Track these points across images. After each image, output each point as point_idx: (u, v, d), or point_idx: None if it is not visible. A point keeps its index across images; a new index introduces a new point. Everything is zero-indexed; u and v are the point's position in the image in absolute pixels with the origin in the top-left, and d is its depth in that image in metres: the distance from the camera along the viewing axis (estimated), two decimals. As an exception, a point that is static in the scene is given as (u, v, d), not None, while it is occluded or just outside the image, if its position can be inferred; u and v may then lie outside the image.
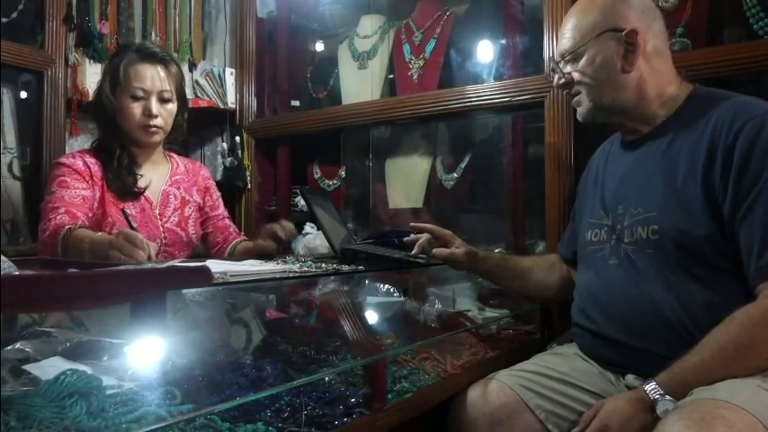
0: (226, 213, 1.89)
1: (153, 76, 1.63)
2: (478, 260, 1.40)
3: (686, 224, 1.11)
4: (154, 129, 1.64)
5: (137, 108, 1.62)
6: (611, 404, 1.05)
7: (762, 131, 1.06)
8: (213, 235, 1.84)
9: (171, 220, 1.74)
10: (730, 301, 1.05)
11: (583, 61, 1.25)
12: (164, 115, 1.66)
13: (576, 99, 1.31)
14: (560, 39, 1.30)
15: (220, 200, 1.90)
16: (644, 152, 1.25)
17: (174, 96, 1.69)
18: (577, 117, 1.35)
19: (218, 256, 1.78)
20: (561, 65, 1.30)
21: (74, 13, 2.09)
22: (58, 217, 1.50)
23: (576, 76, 1.26)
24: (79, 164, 1.62)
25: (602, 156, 1.41)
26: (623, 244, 1.22)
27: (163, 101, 1.66)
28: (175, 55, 2.31)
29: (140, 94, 1.62)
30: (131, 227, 1.41)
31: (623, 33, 1.19)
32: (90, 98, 2.11)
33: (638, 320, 1.16)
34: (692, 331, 1.08)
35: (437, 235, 1.40)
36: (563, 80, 1.30)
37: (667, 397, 0.99)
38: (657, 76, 1.22)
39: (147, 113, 1.62)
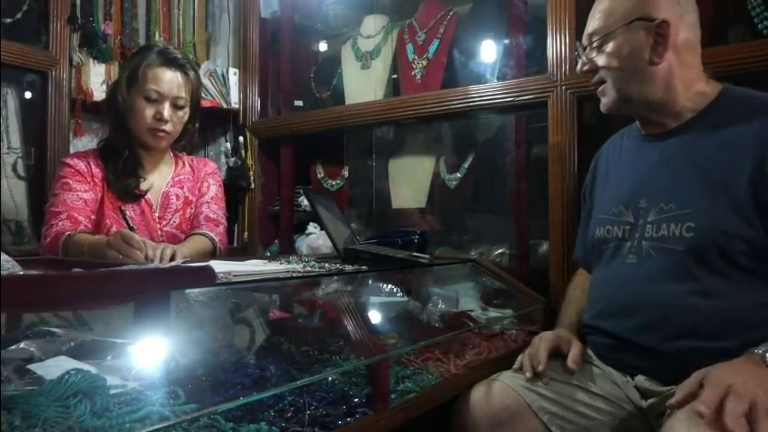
0: (208, 198, 1.79)
1: (170, 81, 1.62)
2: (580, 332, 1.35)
3: (727, 224, 1.08)
4: (162, 134, 1.64)
5: (149, 110, 1.61)
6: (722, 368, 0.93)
7: None
8: (190, 221, 1.77)
9: (171, 222, 1.73)
10: (758, 306, 1.05)
11: (610, 48, 1.20)
12: (174, 121, 1.65)
13: (600, 89, 1.26)
14: (589, 21, 1.25)
15: (212, 187, 1.81)
16: (672, 146, 1.21)
17: (188, 104, 1.68)
18: (600, 107, 1.30)
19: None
20: (587, 50, 1.26)
21: (78, 13, 2.10)
22: (60, 223, 1.52)
23: (601, 62, 1.22)
24: (82, 165, 1.63)
25: (614, 150, 1.38)
26: (644, 240, 1.19)
27: (176, 107, 1.65)
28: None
29: (155, 96, 1.61)
30: (129, 227, 1.41)
31: (654, 23, 1.16)
32: (94, 98, 2.13)
33: (660, 322, 1.13)
34: (715, 334, 1.07)
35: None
36: (587, 66, 1.26)
37: None
38: (686, 71, 1.19)
39: (159, 117, 1.62)
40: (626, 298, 1.20)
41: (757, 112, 1.12)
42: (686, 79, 1.20)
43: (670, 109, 1.21)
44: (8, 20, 1.94)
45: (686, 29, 1.19)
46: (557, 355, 1.27)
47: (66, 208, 1.55)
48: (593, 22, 1.24)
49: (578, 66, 1.30)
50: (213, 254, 1.68)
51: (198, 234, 1.70)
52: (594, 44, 1.24)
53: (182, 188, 1.77)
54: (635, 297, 1.18)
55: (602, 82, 1.25)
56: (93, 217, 1.61)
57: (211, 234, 1.70)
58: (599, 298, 1.29)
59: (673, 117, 1.22)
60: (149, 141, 1.66)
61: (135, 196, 1.67)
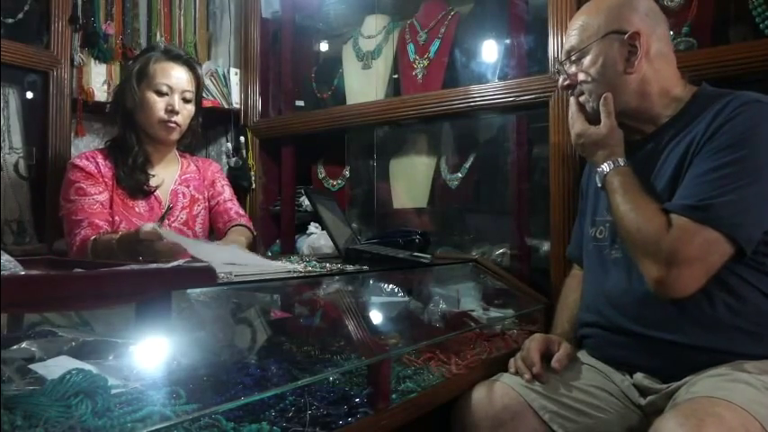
0: (228, 197, 1.90)
1: (179, 75, 1.69)
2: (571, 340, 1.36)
3: None
4: (173, 125, 1.68)
5: (160, 103, 1.67)
6: None
7: (742, 110, 1.09)
8: (215, 221, 1.87)
9: (179, 218, 1.77)
10: (744, 282, 1.07)
11: (586, 62, 1.26)
12: (184, 114, 1.71)
13: (581, 99, 1.31)
14: (566, 39, 1.32)
15: (226, 187, 1.92)
16: (648, 151, 1.25)
17: (194, 99, 1.74)
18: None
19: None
20: (566, 66, 1.31)
21: (79, 13, 2.10)
22: (82, 231, 1.56)
23: (580, 76, 1.28)
24: (92, 166, 1.66)
25: None
26: None
27: (185, 101, 1.71)
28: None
29: (165, 89, 1.67)
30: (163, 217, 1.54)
31: (626, 36, 1.20)
32: (95, 98, 2.13)
33: (650, 309, 1.16)
34: (703, 316, 1.09)
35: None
36: (567, 81, 1.31)
37: None
38: (661, 78, 1.23)
39: (170, 109, 1.67)
40: (618, 291, 1.23)
41: (715, 104, 1.14)
42: (661, 86, 1.24)
43: (646, 115, 1.25)
44: (9, 20, 1.94)
45: (657, 39, 1.23)
46: (550, 356, 1.29)
47: (85, 215, 1.59)
48: (570, 39, 1.30)
49: (559, 81, 1.36)
50: (253, 245, 1.79)
51: (240, 225, 1.81)
52: (573, 59, 1.29)
53: (188, 186, 1.82)
54: (624, 289, 1.21)
55: (582, 94, 1.30)
56: (110, 219, 1.64)
57: (249, 225, 1.83)
58: (594, 295, 1.31)
59: (650, 123, 1.26)
60: (161, 134, 1.70)
61: (145, 192, 1.70)
